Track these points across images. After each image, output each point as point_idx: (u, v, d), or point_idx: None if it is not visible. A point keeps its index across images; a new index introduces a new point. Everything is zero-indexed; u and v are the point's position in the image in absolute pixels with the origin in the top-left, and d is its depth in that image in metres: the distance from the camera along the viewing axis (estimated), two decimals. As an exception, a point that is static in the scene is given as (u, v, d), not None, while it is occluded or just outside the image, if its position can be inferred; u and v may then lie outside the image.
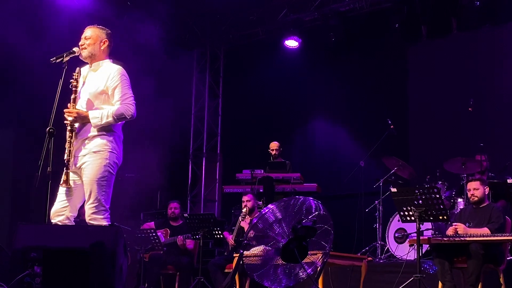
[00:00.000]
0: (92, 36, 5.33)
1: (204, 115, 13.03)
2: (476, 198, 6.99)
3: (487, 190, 7.04)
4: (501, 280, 6.57)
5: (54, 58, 5.23)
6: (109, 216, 5.12)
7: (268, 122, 12.13)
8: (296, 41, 11.98)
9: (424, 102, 11.36)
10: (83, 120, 5.15)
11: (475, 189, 6.99)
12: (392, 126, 9.71)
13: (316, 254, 4.85)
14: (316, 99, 12.21)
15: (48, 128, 5.00)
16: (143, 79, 9.56)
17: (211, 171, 12.89)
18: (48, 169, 4.94)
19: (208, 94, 13.12)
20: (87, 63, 5.41)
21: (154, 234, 8.72)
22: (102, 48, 5.34)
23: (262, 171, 9.89)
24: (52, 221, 5.07)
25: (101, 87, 5.23)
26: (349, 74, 11.90)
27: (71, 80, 5.19)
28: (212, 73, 13.17)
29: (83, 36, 5.35)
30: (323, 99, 12.15)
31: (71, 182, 5.07)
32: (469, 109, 9.00)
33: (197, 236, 8.40)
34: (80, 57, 5.34)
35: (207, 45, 12.89)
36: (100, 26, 5.43)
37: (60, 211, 5.10)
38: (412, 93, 11.58)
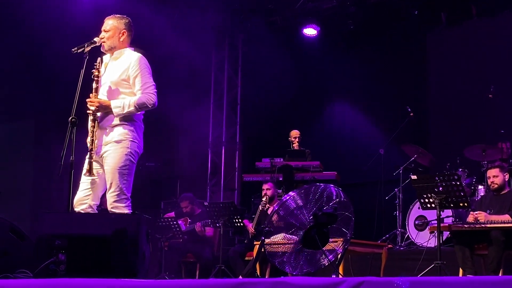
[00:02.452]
0: (111, 29, 5.35)
1: (223, 104, 13.04)
2: (496, 186, 6.98)
3: (507, 176, 7.01)
4: (523, 266, 6.56)
5: (76, 48, 5.28)
6: (130, 204, 5.18)
7: (287, 111, 12.12)
8: (315, 29, 11.94)
9: (444, 89, 11.29)
10: (105, 109, 5.19)
11: (495, 176, 6.97)
12: (411, 114, 9.68)
13: (337, 241, 4.87)
14: (335, 87, 12.18)
15: (70, 118, 5.06)
16: (160, 68, 9.62)
17: (231, 160, 12.91)
18: (71, 158, 5.01)
19: (227, 83, 13.12)
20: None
21: (175, 222, 8.79)
22: (121, 39, 5.37)
23: (282, 159, 9.89)
24: (76, 209, 5.13)
25: (122, 75, 5.26)
26: (368, 62, 11.84)
27: (92, 70, 5.23)
28: (231, 62, 13.17)
29: (102, 29, 5.39)
30: (341, 87, 12.12)
31: (94, 171, 5.12)
32: (489, 95, 8.95)
33: (217, 224, 8.44)
34: (101, 49, 5.38)
35: (226, 34, 12.89)
36: (119, 16, 5.45)
37: (83, 199, 5.16)
38: (431, 80, 11.53)
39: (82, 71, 5.20)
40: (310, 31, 12.01)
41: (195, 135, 12.39)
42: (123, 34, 5.37)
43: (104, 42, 5.33)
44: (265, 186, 8.67)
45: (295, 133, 10.29)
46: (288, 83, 11.78)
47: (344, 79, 11.97)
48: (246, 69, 13.04)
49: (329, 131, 12.15)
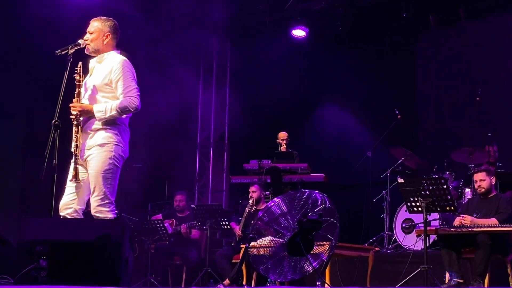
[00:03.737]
0: (95, 31, 5.31)
1: (211, 105, 12.99)
2: (483, 190, 6.99)
3: (493, 180, 7.01)
4: (509, 270, 6.58)
5: (59, 50, 5.23)
6: (114, 208, 5.13)
7: (275, 112, 12.09)
8: (304, 30, 11.91)
9: (432, 91, 11.31)
10: (88, 114, 5.16)
11: (482, 180, 6.98)
12: (399, 116, 9.68)
13: (322, 244, 4.85)
14: (324, 89, 12.16)
15: (53, 121, 5.01)
16: (148, 69, 9.57)
17: (219, 161, 12.87)
18: (54, 162, 4.96)
19: (216, 83, 13.08)
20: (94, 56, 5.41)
21: (161, 225, 8.75)
22: (105, 42, 5.33)
23: (270, 161, 9.86)
24: (61, 214, 5.10)
25: (104, 80, 5.22)
26: (357, 64, 11.84)
27: (74, 75, 5.18)
28: (219, 63, 13.13)
29: (87, 30, 5.34)
30: (330, 89, 12.10)
31: (79, 177, 5.09)
32: (477, 98, 8.95)
33: (204, 227, 8.42)
34: (86, 51, 5.33)
35: (214, 34, 12.84)
36: (105, 18, 5.40)
37: (69, 204, 5.12)
38: (420, 82, 11.53)
39: (66, 74, 5.16)
40: (299, 33, 11.98)
41: (183, 136, 12.33)
42: (107, 36, 5.32)
43: (88, 44, 5.29)
44: (251, 189, 8.66)
45: (282, 135, 10.27)
46: (277, 84, 11.74)
47: (333, 81, 11.96)
48: (234, 70, 13.00)
49: (318, 133, 12.14)
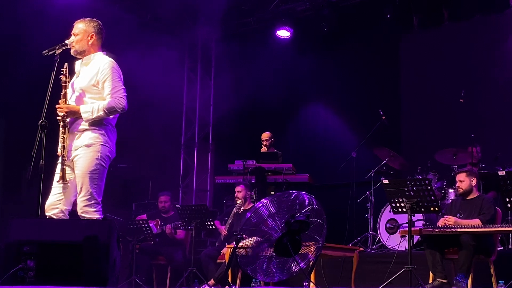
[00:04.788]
0: (79, 32, 5.32)
1: (196, 105, 13.00)
2: (461, 190, 7.07)
3: (474, 181, 7.05)
4: (492, 271, 6.63)
5: (46, 50, 5.23)
6: (101, 209, 5.14)
7: (260, 112, 12.12)
8: (288, 31, 11.95)
9: (416, 92, 11.37)
10: (75, 115, 5.16)
11: (461, 181, 7.06)
12: (383, 117, 9.74)
13: (309, 246, 4.87)
14: (308, 89, 12.21)
15: (40, 121, 5.00)
16: (134, 68, 9.55)
17: (203, 161, 12.89)
18: (41, 162, 4.94)
19: (200, 83, 13.08)
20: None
21: (146, 225, 8.74)
22: (90, 43, 5.33)
23: (254, 161, 9.88)
24: (47, 214, 5.09)
25: (91, 81, 5.23)
26: (341, 65, 11.89)
27: (60, 76, 5.17)
28: (203, 63, 13.13)
29: (72, 32, 5.35)
30: (315, 90, 12.15)
31: (66, 178, 5.08)
32: (461, 100, 9.02)
33: (189, 227, 8.43)
34: (71, 53, 5.33)
35: (199, 34, 12.83)
36: (89, 19, 5.41)
37: (55, 204, 5.12)
38: (404, 83, 11.60)
39: (53, 74, 5.15)
40: (283, 33, 12.01)
41: (168, 136, 12.32)
42: (91, 37, 5.32)
43: (73, 46, 5.29)
44: (237, 189, 8.68)
45: (265, 135, 10.28)
46: (261, 85, 11.76)
47: (317, 82, 12.01)
48: (219, 70, 13.00)
49: (302, 133, 12.18)
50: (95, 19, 5.43)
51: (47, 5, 9.46)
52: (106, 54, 5.40)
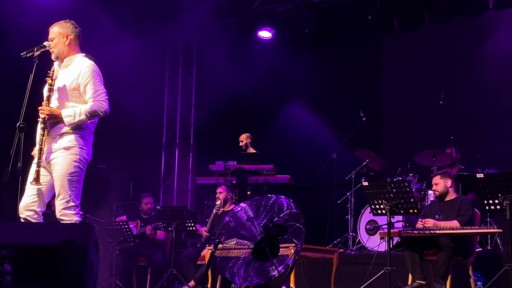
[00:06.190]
0: (55, 36, 5.30)
1: (177, 105, 12.97)
2: (437, 193, 7.13)
3: (449, 182, 7.08)
4: (470, 272, 6.68)
5: (25, 52, 5.19)
6: (79, 211, 5.13)
7: (242, 113, 12.13)
8: (270, 32, 11.95)
9: (396, 94, 11.43)
10: (56, 118, 5.13)
11: (436, 184, 7.12)
12: (364, 119, 9.77)
13: (287, 250, 4.89)
14: (289, 90, 12.23)
15: (18, 123, 4.96)
16: (114, 69, 9.50)
17: (184, 162, 12.86)
18: (18, 165, 4.91)
19: (182, 84, 13.05)
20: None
21: (126, 226, 8.71)
22: (66, 43, 5.31)
23: (235, 162, 9.88)
24: (21, 215, 5.06)
25: (72, 84, 5.20)
26: (323, 66, 11.92)
27: (46, 78, 5.15)
28: (185, 63, 13.10)
29: (48, 38, 5.32)
30: (296, 91, 12.17)
31: (40, 180, 5.06)
32: (440, 102, 9.08)
33: (170, 228, 8.41)
34: (53, 58, 5.31)
35: (181, 34, 12.80)
36: (62, 21, 5.38)
37: (30, 205, 5.09)
38: (385, 85, 11.65)
39: (31, 76, 5.11)
40: (265, 34, 12.01)
41: (149, 136, 12.29)
42: (67, 37, 5.30)
43: (53, 52, 5.27)
44: (218, 190, 8.68)
45: (242, 136, 10.28)
46: (243, 85, 11.76)
47: (298, 83, 12.03)
48: (200, 71, 12.98)
49: (283, 134, 12.19)
50: (68, 20, 5.40)
51: (24, 7, 9.38)
52: (86, 56, 5.38)
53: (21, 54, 5.19)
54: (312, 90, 11.98)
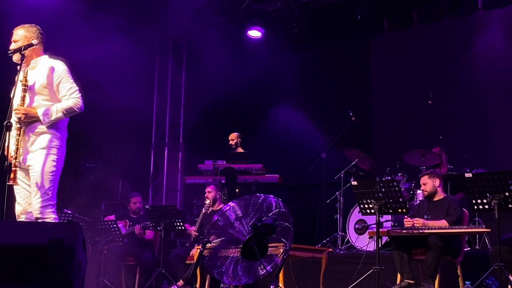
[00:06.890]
0: (20, 38, 5.31)
1: (166, 104, 12.94)
2: (426, 193, 7.15)
3: (437, 182, 7.09)
4: (459, 271, 6.68)
5: (12, 50, 5.18)
6: (55, 210, 5.20)
7: (231, 113, 12.11)
8: (259, 31, 11.95)
9: (385, 94, 11.45)
10: (32, 118, 5.18)
11: (424, 184, 7.14)
12: (353, 118, 9.77)
13: (276, 249, 4.88)
14: (279, 90, 12.21)
15: (5, 122, 4.96)
16: (104, 67, 9.47)
17: (173, 161, 12.83)
18: (6, 163, 4.95)
19: (171, 83, 13.02)
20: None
21: (115, 225, 8.68)
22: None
23: (224, 161, 9.87)
24: (19, 220, 5.16)
25: (43, 83, 5.24)
26: (312, 65, 11.92)
27: (20, 80, 5.14)
28: (174, 62, 13.08)
29: (12, 39, 5.34)
30: (285, 90, 12.16)
31: (19, 180, 5.11)
32: (429, 101, 9.08)
33: (158, 228, 8.39)
34: (14, 60, 5.28)
35: (170, 33, 12.78)
36: (28, 25, 5.39)
37: (27, 208, 5.21)
38: (373, 84, 11.67)
39: (18, 74, 5.13)
40: (254, 33, 12.01)
41: (138, 135, 12.24)
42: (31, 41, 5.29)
43: (13, 53, 5.25)
44: (207, 189, 8.68)
45: (232, 135, 10.27)
46: (232, 84, 11.75)
47: (288, 83, 12.02)
48: (190, 70, 12.96)
49: (273, 133, 12.18)
50: (34, 25, 5.42)
51: (9, 4, 9.33)
52: (50, 57, 5.39)
53: (8, 52, 5.23)
54: (301, 90, 11.98)
